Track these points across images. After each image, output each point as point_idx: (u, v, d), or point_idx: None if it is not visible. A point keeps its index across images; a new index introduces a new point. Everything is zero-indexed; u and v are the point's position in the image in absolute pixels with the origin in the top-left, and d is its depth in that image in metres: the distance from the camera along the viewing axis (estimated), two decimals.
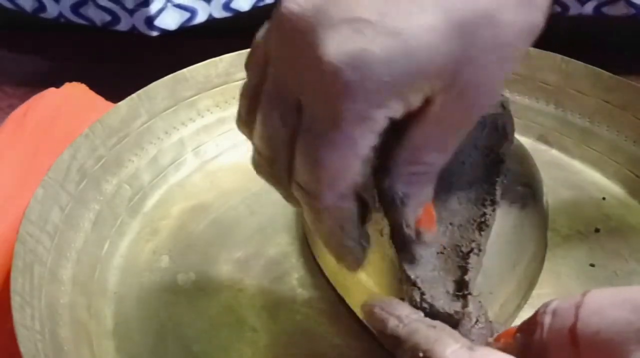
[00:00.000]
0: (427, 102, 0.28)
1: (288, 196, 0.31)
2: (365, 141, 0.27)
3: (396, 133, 0.28)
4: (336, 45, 0.26)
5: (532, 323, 0.26)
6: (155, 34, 0.56)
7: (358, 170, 0.27)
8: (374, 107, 0.26)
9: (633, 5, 0.59)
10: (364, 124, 0.26)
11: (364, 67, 0.25)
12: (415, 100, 0.27)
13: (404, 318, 0.28)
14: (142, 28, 0.56)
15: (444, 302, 0.31)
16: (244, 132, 0.32)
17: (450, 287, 0.32)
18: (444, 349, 0.26)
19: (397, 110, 0.27)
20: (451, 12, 0.26)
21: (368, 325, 0.37)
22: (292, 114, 0.28)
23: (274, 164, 0.30)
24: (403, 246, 0.32)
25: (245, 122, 0.31)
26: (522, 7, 0.27)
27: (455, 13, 0.26)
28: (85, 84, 0.52)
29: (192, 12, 0.56)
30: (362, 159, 0.27)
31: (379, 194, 0.30)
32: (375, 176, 0.30)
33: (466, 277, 0.32)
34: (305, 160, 0.28)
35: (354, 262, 0.31)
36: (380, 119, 0.27)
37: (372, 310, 0.30)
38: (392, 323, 0.28)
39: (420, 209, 0.30)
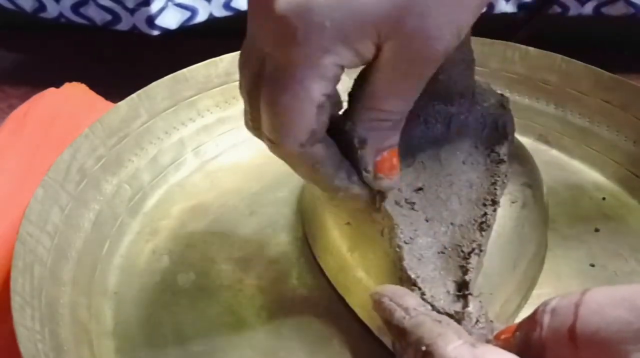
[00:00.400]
0: (379, 51, 0.29)
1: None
2: (317, 87, 0.29)
3: (362, 81, 0.31)
4: None
5: (531, 321, 0.26)
6: (156, 33, 0.56)
7: (312, 116, 0.29)
8: (321, 53, 0.28)
9: (632, 4, 0.59)
10: (314, 70, 0.28)
11: (307, 13, 0.28)
12: (365, 49, 0.29)
13: (411, 311, 0.29)
14: (143, 27, 0.56)
15: (445, 302, 0.31)
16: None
17: (451, 287, 0.32)
18: (446, 344, 0.26)
19: (346, 57, 0.29)
20: None
21: (368, 324, 0.37)
22: (260, 68, 0.30)
23: (254, 118, 0.32)
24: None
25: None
26: None
27: None
28: (85, 84, 0.52)
29: (193, 11, 0.56)
30: (315, 105, 0.29)
31: (341, 138, 0.32)
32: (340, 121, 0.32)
33: (467, 278, 0.32)
34: (265, 109, 0.30)
35: (353, 199, 0.33)
36: (329, 65, 0.28)
37: (381, 299, 0.30)
38: (399, 314, 0.29)
39: (379, 155, 0.32)
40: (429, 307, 0.30)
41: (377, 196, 0.34)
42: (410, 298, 0.30)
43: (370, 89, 0.30)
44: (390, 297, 0.30)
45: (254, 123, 0.32)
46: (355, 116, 0.31)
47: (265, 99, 0.30)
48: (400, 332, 0.28)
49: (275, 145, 0.31)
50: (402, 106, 0.31)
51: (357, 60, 0.29)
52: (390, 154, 0.32)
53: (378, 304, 0.30)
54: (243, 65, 0.32)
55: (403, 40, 0.29)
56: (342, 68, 0.29)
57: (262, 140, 0.32)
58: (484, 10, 0.30)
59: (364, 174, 0.32)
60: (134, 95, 0.46)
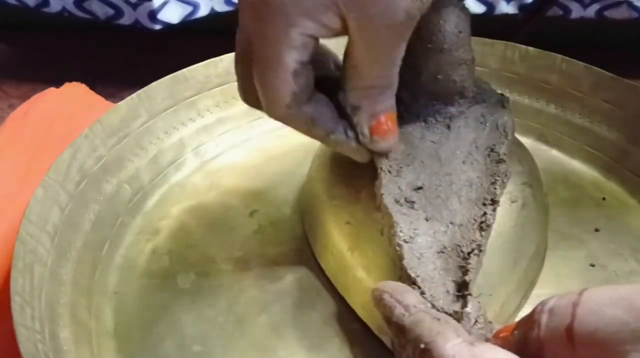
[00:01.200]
0: (346, 22, 0.31)
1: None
2: (288, 56, 0.31)
3: (346, 52, 0.33)
4: None
5: (529, 321, 0.26)
6: (158, 27, 0.56)
7: (290, 81, 0.32)
8: (286, 26, 0.31)
9: (635, 8, 0.59)
10: (283, 42, 0.31)
11: None
12: (330, 21, 0.31)
13: (411, 308, 0.29)
14: (145, 22, 0.56)
15: (444, 302, 0.31)
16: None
17: (451, 287, 0.32)
18: (445, 343, 0.26)
19: (312, 28, 0.31)
20: None
21: (368, 323, 0.37)
22: (247, 45, 0.33)
23: (245, 90, 0.35)
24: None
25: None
26: None
27: None
28: (85, 84, 0.52)
29: (195, 6, 0.56)
30: (289, 72, 0.32)
31: (339, 109, 0.35)
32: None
33: (466, 278, 0.32)
34: (255, 81, 0.33)
35: (353, 155, 0.36)
36: (296, 36, 0.31)
37: (381, 295, 0.30)
38: (399, 311, 0.29)
39: (373, 119, 0.34)
40: (429, 305, 0.30)
41: (375, 159, 0.35)
42: (410, 296, 0.30)
43: (351, 60, 0.33)
44: (390, 293, 0.30)
45: (246, 95, 0.35)
46: (346, 87, 0.34)
47: (254, 73, 0.33)
48: (399, 329, 0.28)
49: (269, 110, 0.34)
50: (385, 72, 0.33)
51: (326, 31, 0.31)
52: (386, 117, 0.34)
53: (378, 300, 0.30)
54: (236, 44, 0.34)
55: (361, 9, 0.30)
56: (314, 38, 0.32)
57: (259, 109, 0.35)
58: (484, 10, 0.31)
59: (361, 137, 0.34)
60: (134, 95, 0.46)
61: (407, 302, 0.29)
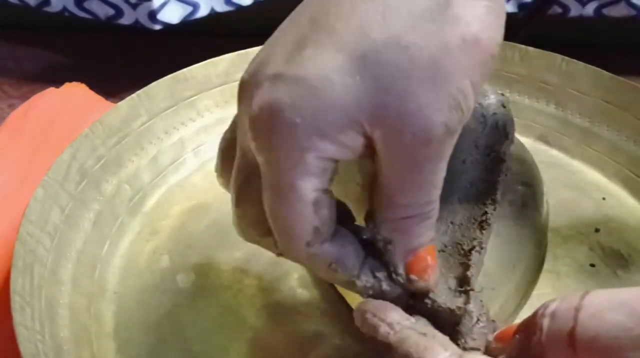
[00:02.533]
0: (372, 140, 0.27)
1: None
2: (306, 185, 0.27)
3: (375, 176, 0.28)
4: (258, 100, 0.27)
5: (530, 324, 0.26)
6: (158, 27, 0.56)
7: (310, 214, 0.27)
8: (300, 151, 0.26)
9: (634, 6, 0.59)
10: (298, 169, 0.26)
11: (276, 114, 0.26)
12: (351, 141, 0.27)
13: (395, 326, 0.28)
14: (145, 22, 0.56)
15: (446, 298, 0.31)
16: (221, 184, 0.34)
17: (452, 283, 0.32)
18: (434, 357, 0.26)
19: (330, 150, 0.27)
20: (351, 48, 0.26)
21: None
22: (256, 177, 0.28)
23: (241, 216, 0.31)
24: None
25: (221, 175, 0.34)
26: (435, 23, 0.26)
27: (355, 48, 0.26)
28: (85, 84, 0.52)
29: (194, 6, 0.56)
30: (309, 203, 0.27)
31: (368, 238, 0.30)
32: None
33: (468, 273, 0.31)
34: (269, 218, 0.28)
35: (383, 297, 0.29)
36: (312, 161, 0.26)
37: (364, 315, 0.29)
38: (383, 330, 0.28)
39: (410, 255, 0.29)
40: (414, 320, 0.29)
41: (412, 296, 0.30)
42: (393, 313, 0.28)
43: (381, 186, 0.28)
44: (373, 312, 0.28)
45: (250, 233, 0.31)
46: (376, 216, 0.29)
47: (266, 206, 0.28)
48: (386, 347, 0.28)
49: (285, 249, 0.29)
50: (424, 199, 0.28)
51: (347, 151, 0.27)
52: (425, 252, 0.29)
53: (362, 321, 0.29)
54: (235, 169, 0.30)
55: (391, 126, 0.26)
56: (333, 160, 0.27)
57: (269, 249, 0.31)
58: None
59: (394, 276, 0.29)
60: (134, 95, 0.46)
61: (391, 319, 0.28)
